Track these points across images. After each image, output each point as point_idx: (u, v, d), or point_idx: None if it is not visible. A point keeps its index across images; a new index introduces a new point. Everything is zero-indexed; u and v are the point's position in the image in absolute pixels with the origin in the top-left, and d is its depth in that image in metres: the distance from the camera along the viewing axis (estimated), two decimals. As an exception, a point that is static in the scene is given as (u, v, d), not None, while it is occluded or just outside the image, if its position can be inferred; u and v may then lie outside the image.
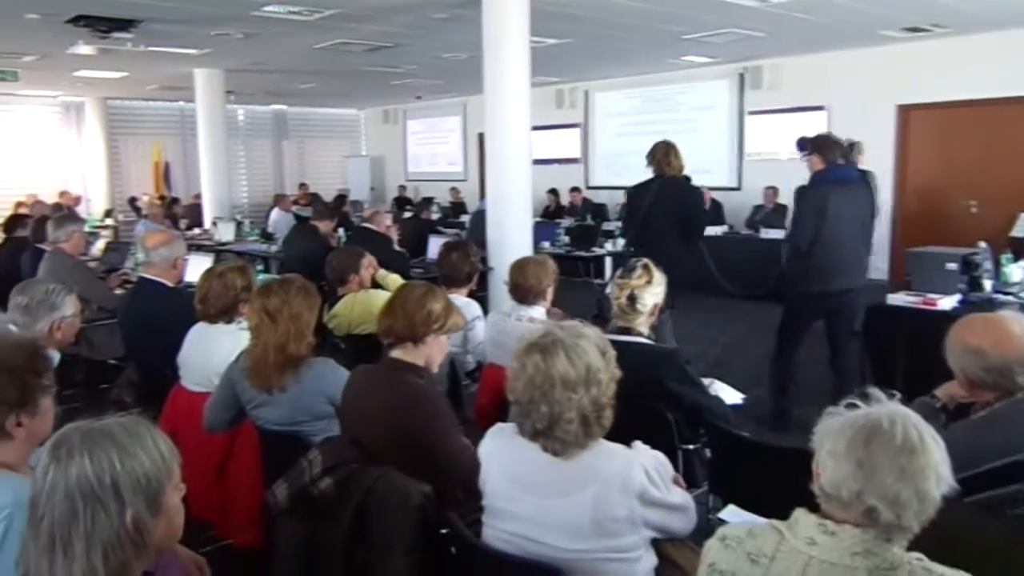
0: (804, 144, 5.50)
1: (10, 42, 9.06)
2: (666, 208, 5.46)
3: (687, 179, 5.74)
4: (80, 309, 2.91)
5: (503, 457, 1.96)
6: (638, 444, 1.97)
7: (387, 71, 11.99)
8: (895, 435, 1.37)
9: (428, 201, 11.62)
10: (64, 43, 8.79)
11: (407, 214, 12.47)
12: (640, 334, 3.01)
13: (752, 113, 11.73)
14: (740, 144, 11.98)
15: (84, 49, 8.77)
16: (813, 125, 10.89)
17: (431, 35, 8.97)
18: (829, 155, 5.03)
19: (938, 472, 1.37)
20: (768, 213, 10.35)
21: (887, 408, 1.42)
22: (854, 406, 1.46)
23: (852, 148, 5.81)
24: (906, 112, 10.23)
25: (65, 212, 7.47)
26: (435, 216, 11.31)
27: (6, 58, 10.16)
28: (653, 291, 3.04)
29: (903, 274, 7.61)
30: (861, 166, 6.02)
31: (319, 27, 8.39)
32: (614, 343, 1.98)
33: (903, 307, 4.93)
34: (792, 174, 10.52)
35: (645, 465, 1.84)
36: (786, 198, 10.20)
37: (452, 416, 2.45)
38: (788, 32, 8.96)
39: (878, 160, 10.36)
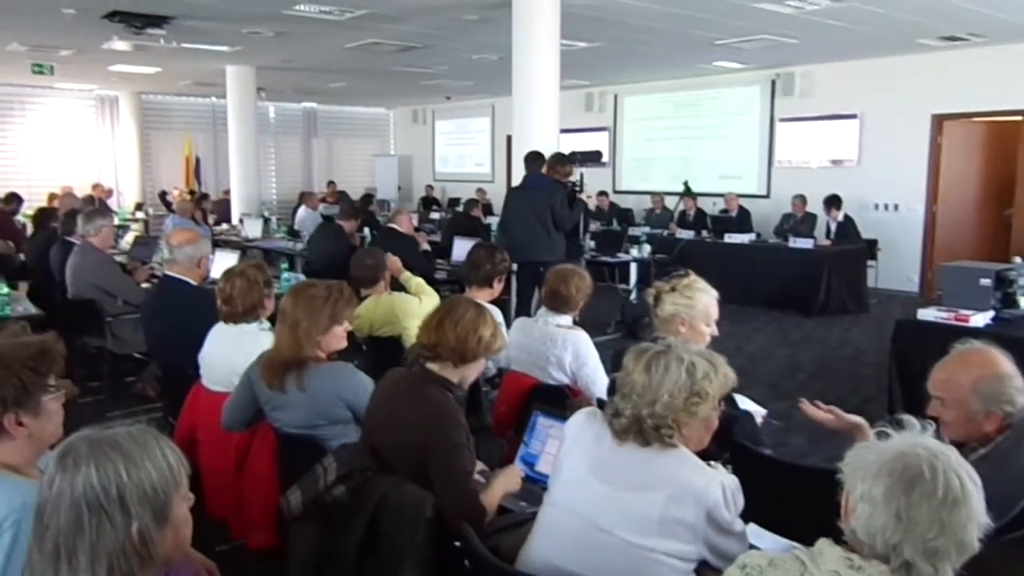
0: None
1: (47, 36, 9.18)
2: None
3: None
4: None
5: (590, 440, 1.98)
6: (718, 466, 1.96)
7: (417, 71, 12.01)
8: (937, 486, 1.31)
9: (475, 201, 11.44)
10: (99, 38, 8.91)
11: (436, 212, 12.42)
12: None
13: (783, 120, 11.59)
14: (770, 151, 11.85)
15: (119, 44, 8.90)
16: (845, 133, 10.79)
17: (461, 36, 8.96)
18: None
19: (978, 520, 1.32)
20: (797, 222, 10.21)
21: (925, 448, 1.35)
22: (885, 435, 1.40)
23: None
24: (941, 122, 10.05)
25: (96, 207, 7.56)
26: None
27: (43, 52, 10.30)
28: (674, 299, 2.95)
29: (934, 288, 7.48)
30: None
31: (350, 27, 8.41)
32: None
33: (933, 322, 4.81)
34: (822, 183, 10.44)
35: (724, 483, 1.84)
36: (815, 207, 10.08)
37: (465, 436, 2.40)
38: (822, 39, 8.84)
39: (911, 170, 10.23)
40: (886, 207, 10.53)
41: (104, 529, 1.24)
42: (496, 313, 4.03)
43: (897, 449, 1.36)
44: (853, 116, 10.70)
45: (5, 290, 4.98)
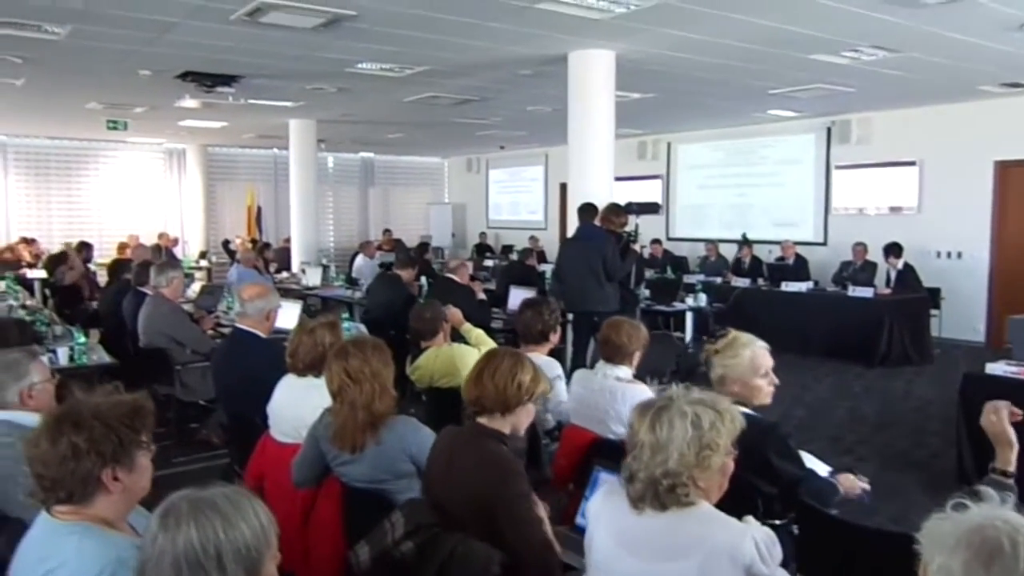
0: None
1: (123, 95, 9.66)
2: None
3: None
4: (51, 373, 2.93)
5: (610, 515, 1.97)
6: (750, 519, 1.94)
7: (473, 122, 12.27)
8: (1019, 560, 1.28)
9: (530, 250, 11.55)
10: (172, 96, 9.35)
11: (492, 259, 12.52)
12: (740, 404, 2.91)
13: (840, 167, 11.50)
14: (827, 198, 11.73)
15: (189, 102, 9.32)
16: (905, 180, 10.65)
17: (517, 89, 9.16)
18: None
19: None
20: (857, 270, 10.05)
21: (1004, 521, 1.33)
22: (963, 506, 1.38)
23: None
24: (1005, 169, 9.85)
25: (164, 257, 7.83)
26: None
27: (119, 109, 10.83)
28: (720, 360, 2.93)
29: (1002, 339, 7.27)
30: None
31: (409, 82, 8.67)
32: None
33: (1004, 377, 4.69)
34: (881, 230, 10.29)
35: (756, 538, 1.80)
36: (876, 255, 9.92)
37: (527, 486, 2.42)
38: (878, 87, 8.79)
39: (974, 217, 10.02)
40: (948, 255, 10.31)
41: None
42: (555, 366, 4.09)
43: (975, 521, 1.34)
44: (912, 163, 10.56)
45: (83, 339, 5.18)
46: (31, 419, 2.76)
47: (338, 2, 5.66)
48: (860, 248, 10.15)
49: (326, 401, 2.99)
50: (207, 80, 8.15)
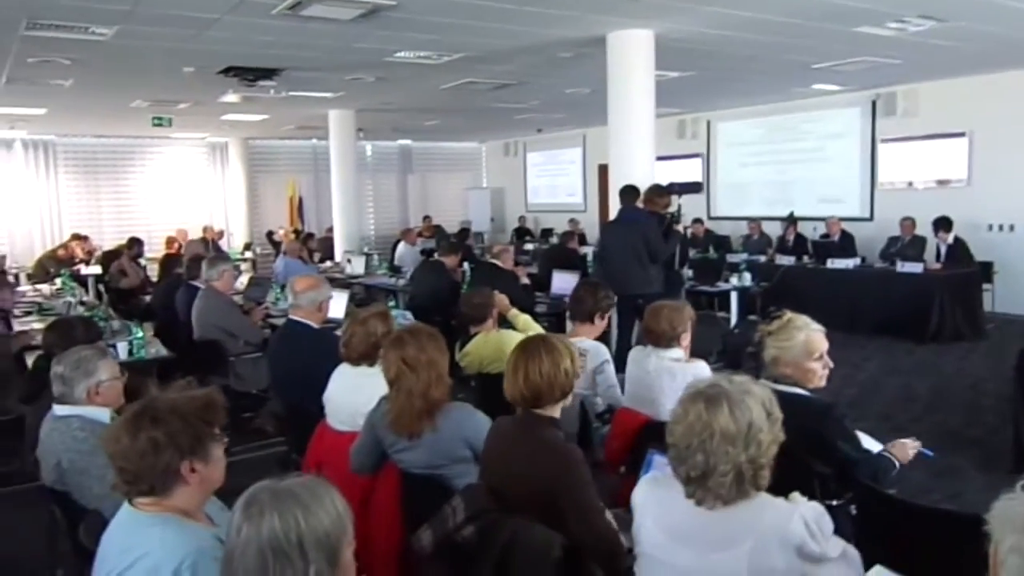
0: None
1: (167, 92, 9.85)
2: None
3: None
4: (120, 370, 3.00)
5: (658, 506, 1.96)
6: (796, 496, 1.93)
7: (510, 107, 12.26)
8: None
9: (571, 233, 11.57)
10: (215, 92, 9.51)
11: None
12: (797, 385, 2.90)
13: (885, 141, 11.26)
14: (873, 173, 11.52)
15: (232, 97, 9.47)
16: (953, 152, 10.41)
17: (555, 72, 9.13)
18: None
19: None
20: (905, 245, 9.86)
21: None
22: (1031, 490, 1.38)
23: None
24: (1058, 136, 9.58)
25: (215, 253, 7.98)
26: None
27: (164, 106, 11.04)
28: (773, 342, 2.92)
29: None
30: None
31: (447, 68, 8.69)
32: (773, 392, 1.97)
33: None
34: (929, 204, 10.08)
35: (805, 517, 1.79)
36: (924, 229, 9.73)
37: (588, 473, 2.46)
38: (925, 58, 8.59)
39: (1027, 190, 9.76)
40: (1000, 228, 10.07)
41: (287, 573, 1.36)
42: (603, 350, 4.10)
43: None
44: (961, 134, 10.30)
45: (140, 334, 5.32)
46: (100, 414, 2.87)
47: (377, -8, 5.71)
48: (908, 223, 9.95)
49: (381, 390, 3.04)
50: (249, 75, 8.28)
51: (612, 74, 7.35)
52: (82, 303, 7.36)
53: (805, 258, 10.44)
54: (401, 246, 11.82)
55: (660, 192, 6.95)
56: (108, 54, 7.32)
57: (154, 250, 13.00)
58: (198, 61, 7.88)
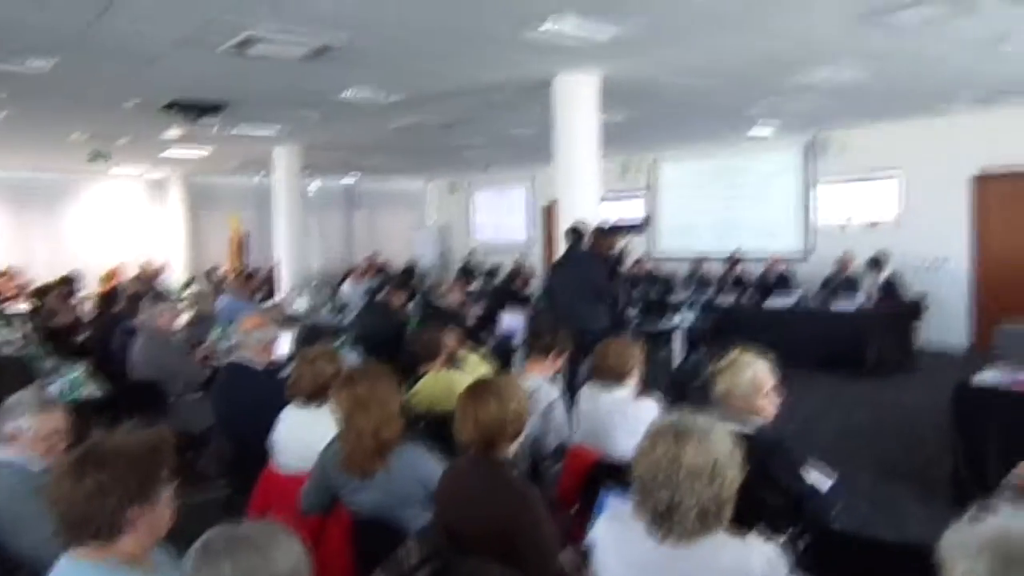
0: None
1: (109, 127, 9.65)
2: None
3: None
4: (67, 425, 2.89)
5: (617, 544, 1.96)
6: (753, 535, 1.96)
7: (457, 144, 12.34)
8: None
9: (517, 272, 11.63)
10: (156, 127, 9.35)
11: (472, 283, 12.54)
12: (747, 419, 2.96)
13: (822, 182, 11.67)
14: (808, 212, 11.90)
15: (174, 132, 9.31)
16: (885, 193, 10.83)
17: (502, 113, 9.23)
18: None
19: None
20: (841, 283, 10.16)
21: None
22: (981, 517, 1.43)
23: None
24: (983, 181, 10.04)
25: (155, 291, 7.77)
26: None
27: (103, 141, 10.79)
28: (723, 378, 2.99)
29: (985, 346, 7.39)
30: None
31: (395, 108, 8.72)
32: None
33: (995, 388, 4.74)
34: (863, 242, 10.44)
35: (764, 555, 1.83)
36: (858, 267, 10.06)
37: (545, 511, 2.45)
38: (858, 103, 8.95)
39: (954, 227, 10.20)
40: (928, 266, 10.48)
41: None
42: (554, 391, 4.07)
43: (996, 528, 1.40)
44: (892, 176, 10.75)
45: (76, 373, 5.14)
46: (20, 459, 2.74)
47: (324, 34, 5.71)
48: (843, 261, 10.29)
49: (331, 430, 3.00)
50: (192, 111, 8.16)
51: (558, 116, 7.47)
52: (11, 341, 7.06)
53: (745, 296, 10.67)
54: (346, 284, 11.70)
55: (605, 235, 7.05)
56: (46, 87, 7.15)
57: (89, 287, 12.61)
58: (142, 94, 7.75)
